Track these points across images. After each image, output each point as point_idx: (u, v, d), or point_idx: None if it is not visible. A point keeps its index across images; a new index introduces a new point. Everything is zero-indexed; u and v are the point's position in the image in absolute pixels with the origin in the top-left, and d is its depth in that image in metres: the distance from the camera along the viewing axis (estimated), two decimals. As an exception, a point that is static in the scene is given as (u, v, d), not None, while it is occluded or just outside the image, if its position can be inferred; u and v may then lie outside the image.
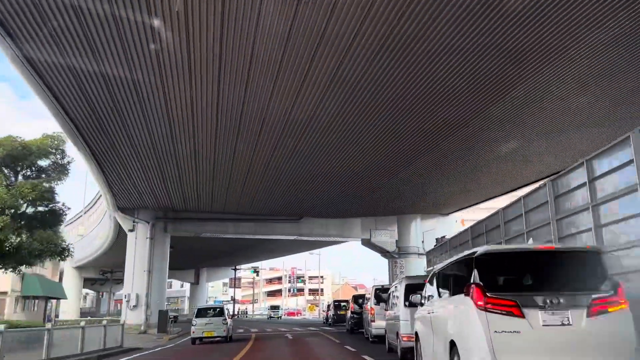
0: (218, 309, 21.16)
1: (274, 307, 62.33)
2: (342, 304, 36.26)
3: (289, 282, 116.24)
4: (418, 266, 32.38)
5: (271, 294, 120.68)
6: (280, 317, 60.84)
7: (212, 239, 34.66)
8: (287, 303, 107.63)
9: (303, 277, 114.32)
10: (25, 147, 19.48)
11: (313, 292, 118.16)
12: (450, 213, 33.69)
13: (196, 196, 25.52)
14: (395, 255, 32.99)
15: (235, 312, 63.20)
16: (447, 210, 32.44)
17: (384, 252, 33.61)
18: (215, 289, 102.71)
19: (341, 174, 21.29)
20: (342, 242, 38.31)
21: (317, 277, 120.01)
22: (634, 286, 6.48)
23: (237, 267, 67.49)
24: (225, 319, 20.03)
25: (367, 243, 33.58)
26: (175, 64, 11.68)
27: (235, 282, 67.91)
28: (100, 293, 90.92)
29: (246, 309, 72.21)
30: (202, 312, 20.77)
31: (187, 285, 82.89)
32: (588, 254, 6.12)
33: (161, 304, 29.07)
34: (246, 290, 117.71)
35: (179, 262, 62.12)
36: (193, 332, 19.67)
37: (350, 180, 22.45)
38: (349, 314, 26.42)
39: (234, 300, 63.57)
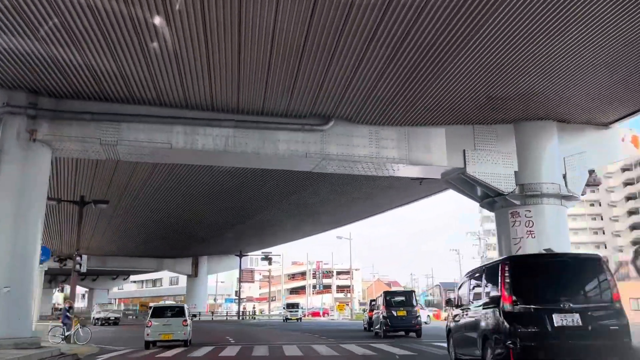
0: (177, 309, 18.00)
1: (292, 306, 46.08)
2: (398, 298, 21.09)
3: (314, 277, 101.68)
4: (557, 221, 16.20)
5: (294, 291, 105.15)
6: (300, 318, 44.77)
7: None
8: (312, 302, 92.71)
9: (330, 272, 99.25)
10: None
11: (342, 289, 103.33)
12: (612, 122, 17.22)
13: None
14: (513, 201, 16.49)
15: (241, 312, 47.40)
16: (607, 116, 15.99)
17: (487, 196, 17.18)
18: (227, 284, 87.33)
19: None
20: (404, 178, 21.74)
21: (346, 272, 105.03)
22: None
23: (246, 253, 51.56)
24: (186, 320, 17.07)
25: (456, 179, 17.18)
26: None
27: (241, 273, 51.91)
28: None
29: (253, 307, 55.70)
30: (158, 312, 17.62)
31: (182, 281, 67.95)
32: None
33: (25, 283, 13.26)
34: (266, 287, 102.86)
35: (170, 247, 46.89)
36: (147, 335, 16.52)
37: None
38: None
39: (239, 296, 47.68)
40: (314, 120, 15.26)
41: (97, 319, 41.66)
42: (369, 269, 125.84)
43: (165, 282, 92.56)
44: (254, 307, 49.61)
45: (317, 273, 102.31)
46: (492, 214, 18.47)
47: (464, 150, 16.53)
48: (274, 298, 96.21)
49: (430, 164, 16.27)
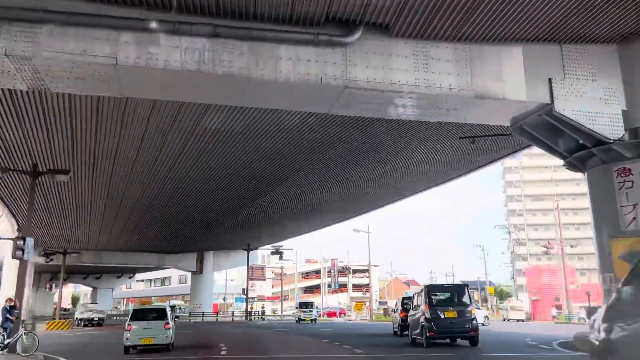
0: (159, 311, 16.82)
1: (306, 305, 40.89)
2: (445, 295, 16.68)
3: (329, 275, 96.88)
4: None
5: (308, 290, 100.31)
6: (315, 319, 39.73)
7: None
8: (328, 301, 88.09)
9: (348, 268, 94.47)
10: None
11: (358, 287, 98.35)
12: None
13: None
14: (622, 152, 11.26)
15: (250, 312, 42.53)
16: None
17: (579, 148, 11.93)
18: (238, 283, 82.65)
19: None
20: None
21: (362, 270, 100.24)
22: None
23: (255, 247, 46.65)
24: (168, 323, 15.99)
25: (536, 124, 11.88)
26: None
27: (249, 269, 46.97)
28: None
29: (262, 307, 50.44)
30: (139, 314, 16.44)
31: (187, 278, 63.40)
32: None
33: None
34: (280, 286, 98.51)
35: (171, 240, 42.24)
36: (127, 339, 15.52)
37: None
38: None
39: (246, 295, 42.70)
40: (331, 28, 10.19)
41: (80, 319, 38.72)
42: (385, 267, 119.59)
43: (174, 280, 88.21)
44: (263, 307, 44.25)
45: (332, 271, 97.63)
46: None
47: (550, 80, 11.30)
48: (287, 297, 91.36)
49: (502, 97, 11.04)
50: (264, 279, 64.62)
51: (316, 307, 42.81)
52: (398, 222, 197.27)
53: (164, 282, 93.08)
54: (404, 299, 22.97)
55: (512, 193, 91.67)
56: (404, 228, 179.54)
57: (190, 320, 45.28)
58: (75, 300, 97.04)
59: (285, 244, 46.00)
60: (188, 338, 21.17)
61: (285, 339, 21.13)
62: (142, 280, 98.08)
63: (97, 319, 39.09)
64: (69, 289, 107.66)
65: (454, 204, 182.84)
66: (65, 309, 78.03)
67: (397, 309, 23.04)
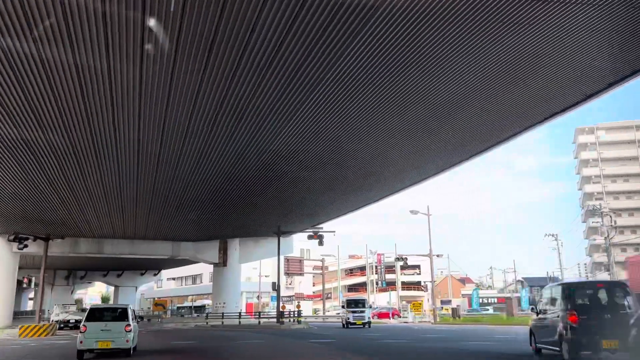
0: (119, 310, 14.96)
1: (356, 304, 30.16)
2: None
3: (375, 272, 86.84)
4: None
5: (352, 288, 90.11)
6: (369, 323, 29.16)
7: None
8: (376, 300, 78.08)
9: (402, 259, 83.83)
10: None
11: (408, 286, 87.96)
12: None
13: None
14: None
15: (284, 311, 32.38)
16: None
17: None
18: (274, 279, 73.38)
19: None
20: None
21: (413, 266, 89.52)
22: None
23: (287, 230, 36.65)
24: (129, 325, 14.06)
25: None
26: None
27: (280, 259, 36.73)
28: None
29: (298, 307, 39.35)
30: (96, 314, 14.53)
31: (205, 272, 54.23)
32: None
33: None
34: (320, 284, 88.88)
35: (189, 226, 33.14)
36: (81, 343, 13.63)
37: None
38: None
39: (277, 289, 32.19)
40: None
41: (56, 322, 32.60)
42: (437, 263, 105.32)
43: (206, 278, 79.24)
44: (298, 307, 33.36)
45: (378, 267, 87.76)
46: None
47: None
48: (329, 295, 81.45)
49: None
50: (302, 274, 54.57)
51: (370, 306, 32.14)
52: (444, 218, 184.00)
53: (195, 280, 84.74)
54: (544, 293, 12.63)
55: (589, 174, 78.60)
56: (450, 221, 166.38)
57: (207, 322, 35.86)
58: (105, 301, 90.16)
59: (324, 227, 35.89)
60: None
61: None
62: (174, 279, 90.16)
63: (73, 321, 33.00)
64: (98, 288, 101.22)
65: (503, 196, 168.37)
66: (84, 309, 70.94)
67: (539, 309, 12.63)
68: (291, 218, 34.80)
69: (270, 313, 42.85)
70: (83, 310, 64.96)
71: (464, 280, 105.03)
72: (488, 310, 50.88)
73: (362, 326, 28.57)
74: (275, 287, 33.36)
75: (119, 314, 14.49)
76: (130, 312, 14.56)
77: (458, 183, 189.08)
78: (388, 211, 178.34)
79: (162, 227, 35.62)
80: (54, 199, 25.77)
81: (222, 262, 41.37)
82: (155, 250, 39.67)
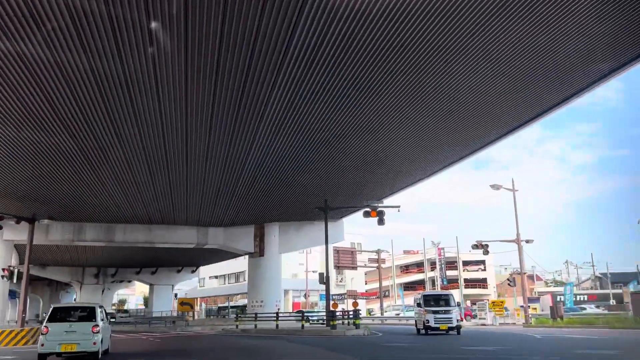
0: (87, 310, 13.49)
1: (435, 301, 20.93)
2: None
3: (432, 268, 78.43)
4: None
5: (408, 286, 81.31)
6: (459, 328, 20.10)
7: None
8: None
9: (454, 262, 75.82)
10: None
11: (473, 283, 78.86)
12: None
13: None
14: None
15: (336, 309, 23.74)
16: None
17: None
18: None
19: None
20: None
21: (477, 262, 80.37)
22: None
23: (335, 208, 28.43)
24: (97, 325, 12.77)
25: None
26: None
27: (328, 246, 28.37)
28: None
29: (355, 306, 30.17)
30: (60, 314, 13.26)
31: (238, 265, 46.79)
32: None
33: None
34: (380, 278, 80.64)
35: (218, 208, 25.94)
36: (42, 345, 12.40)
37: None
38: None
39: (326, 281, 23.73)
40: None
41: None
42: (498, 259, 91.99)
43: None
44: (355, 305, 24.45)
45: (439, 263, 78.66)
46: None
47: None
48: (386, 293, 72.79)
49: None
50: (355, 267, 46.00)
51: (457, 305, 22.84)
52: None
53: (239, 277, 78.01)
54: None
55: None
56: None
57: (238, 325, 27.97)
58: (147, 301, 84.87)
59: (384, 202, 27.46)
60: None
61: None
62: (216, 277, 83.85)
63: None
64: (141, 288, 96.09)
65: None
66: (121, 310, 65.38)
67: None
68: (341, 193, 26.77)
69: (318, 313, 34.70)
70: (120, 311, 59.30)
71: (534, 277, 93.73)
72: (585, 309, 40.90)
73: (446, 332, 19.94)
74: (324, 279, 25.19)
75: (86, 314, 13.19)
76: (98, 312, 13.27)
77: (517, 179, 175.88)
78: (426, 208, 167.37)
79: (186, 208, 28.38)
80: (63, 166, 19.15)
81: (258, 252, 33.64)
82: (177, 238, 32.40)
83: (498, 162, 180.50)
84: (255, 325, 25.31)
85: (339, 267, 43.08)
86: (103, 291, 58.75)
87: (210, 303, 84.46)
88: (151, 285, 61.20)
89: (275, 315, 24.97)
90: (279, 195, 27.24)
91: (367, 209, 25.30)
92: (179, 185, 23.77)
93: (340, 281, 70.88)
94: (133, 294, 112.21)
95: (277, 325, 24.14)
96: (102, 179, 21.96)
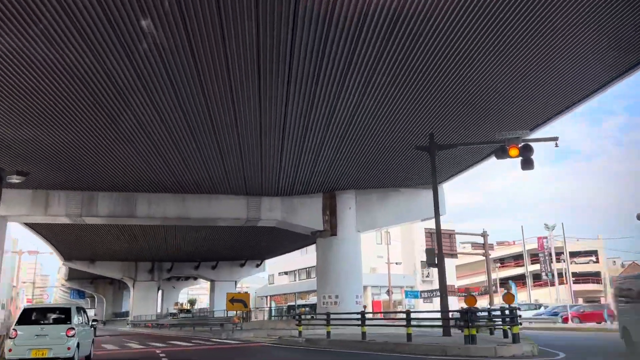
0: (61, 311, 11.99)
1: None
2: None
3: (532, 262, 66.99)
4: None
5: (505, 282, 69.39)
6: None
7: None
8: (539, 296, 58.63)
9: (560, 254, 63.60)
10: None
11: (584, 278, 66.53)
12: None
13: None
14: None
15: (474, 306, 13.13)
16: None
17: None
18: (407, 267, 54.53)
19: None
20: None
21: (586, 252, 68.42)
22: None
23: (454, 144, 18.29)
24: (72, 329, 11.26)
25: None
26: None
27: (438, 217, 18.37)
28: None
29: (508, 301, 18.71)
30: (30, 316, 11.83)
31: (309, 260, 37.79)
32: None
33: None
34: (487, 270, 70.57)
35: (276, 165, 17.09)
36: (10, 351, 11.02)
37: None
38: None
39: (438, 255, 14.30)
40: None
41: None
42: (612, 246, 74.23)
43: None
44: (510, 300, 14.41)
45: (541, 255, 66.59)
46: None
47: None
48: (483, 289, 61.29)
49: None
50: (455, 255, 35.08)
51: None
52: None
53: (310, 273, 69.25)
54: None
55: None
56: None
57: (300, 330, 18.01)
58: (192, 302, 78.50)
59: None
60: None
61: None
62: (285, 273, 75.68)
63: None
64: (202, 285, 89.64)
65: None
66: (183, 310, 58.46)
67: None
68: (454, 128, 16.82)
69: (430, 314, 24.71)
70: (182, 311, 52.11)
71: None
72: None
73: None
74: (433, 257, 15.39)
75: (60, 315, 11.69)
76: (74, 313, 11.69)
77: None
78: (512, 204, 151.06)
79: (234, 171, 19.75)
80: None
81: (328, 229, 24.16)
82: (220, 211, 23.61)
83: (577, 153, 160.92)
84: (329, 333, 15.73)
85: (441, 252, 32.97)
86: (159, 289, 51.85)
87: (281, 301, 76.52)
88: (212, 281, 53.93)
89: (358, 316, 15.17)
90: (364, 140, 17.83)
91: (504, 144, 15.12)
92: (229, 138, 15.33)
93: (427, 276, 60.16)
94: (206, 294, 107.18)
95: (364, 334, 14.39)
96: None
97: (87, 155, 18.10)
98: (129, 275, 48.35)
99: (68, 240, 35.36)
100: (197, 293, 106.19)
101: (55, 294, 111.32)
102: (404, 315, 13.24)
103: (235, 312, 26.80)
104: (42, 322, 11.58)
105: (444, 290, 14.98)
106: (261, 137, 16.89)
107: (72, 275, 63.32)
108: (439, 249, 15.58)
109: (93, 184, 21.52)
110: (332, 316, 16.46)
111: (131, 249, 41.48)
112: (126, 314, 60.67)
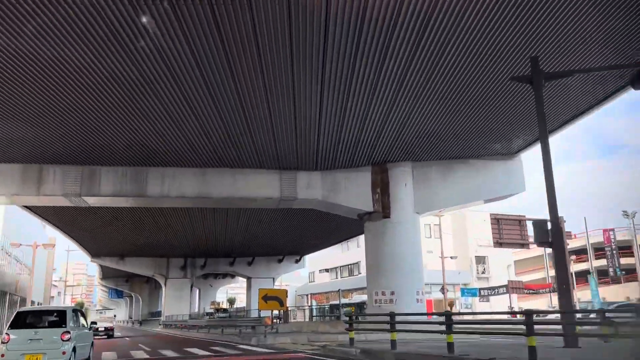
0: (56, 314, 11.39)
1: None
2: None
3: (596, 257, 61.35)
4: None
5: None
6: None
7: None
8: (605, 294, 52.61)
9: (628, 247, 57.92)
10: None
11: None
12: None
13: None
14: None
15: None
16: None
17: None
18: (461, 262, 48.92)
19: None
20: None
21: None
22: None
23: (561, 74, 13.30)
24: (67, 332, 10.69)
25: None
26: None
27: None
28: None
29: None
30: (24, 319, 11.19)
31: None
32: None
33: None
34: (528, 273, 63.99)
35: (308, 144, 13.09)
36: (2, 356, 10.61)
37: None
38: None
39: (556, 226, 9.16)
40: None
41: None
42: None
43: (363, 268, 58.45)
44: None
45: (608, 249, 60.96)
46: None
47: None
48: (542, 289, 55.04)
49: None
50: (527, 245, 29.15)
51: None
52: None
53: (352, 271, 64.58)
54: None
55: None
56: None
57: (352, 337, 13.21)
58: (232, 301, 74.89)
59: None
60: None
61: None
62: (327, 270, 71.25)
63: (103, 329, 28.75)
64: (242, 285, 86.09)
65: None
66: (219, 309, 54.95)
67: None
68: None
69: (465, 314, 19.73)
70: (218, 310, 48.40)
71: None
72: None
73: None
74: (544, 233, 10.59)
75: (55, 319, 11.20)
76: (70, 316, 11.07)
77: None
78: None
79: (261, 139, 15.47)
80: None
81: (380, 210, 19.41)
82: (248, 189, 19.25)
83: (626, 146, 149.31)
84: (394, 343, 10.89)
85: (500, 244, 27.82)
86: (192, 286, 48.31)
87: (322, 300, 72.10)
88: (248, 278, 50.02)
89: (437, 319, 10.32)
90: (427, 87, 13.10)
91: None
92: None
93: (483, 272, 54.41)
94: (245, 292, 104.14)
95: (450, 345, 9.45)
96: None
97: (90, 120, 14.16)
98: (160, 272, 44.98)
99: (81, 229, 31.98)
100: (237, 292, 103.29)
101: (99, 293, 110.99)
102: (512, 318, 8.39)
103: (271, 311, 22.39)
104: (36, 325, 11.05)
105: (565, 281, 10.08)
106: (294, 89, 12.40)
107: (106, 274, 60.90)
108: (553, 221, 10.63)
109: (95, 156, 17.59)
110: (397, 318, 11.65)
111: (159, 243, 38.01)
112: (160, 313, 57.78)
